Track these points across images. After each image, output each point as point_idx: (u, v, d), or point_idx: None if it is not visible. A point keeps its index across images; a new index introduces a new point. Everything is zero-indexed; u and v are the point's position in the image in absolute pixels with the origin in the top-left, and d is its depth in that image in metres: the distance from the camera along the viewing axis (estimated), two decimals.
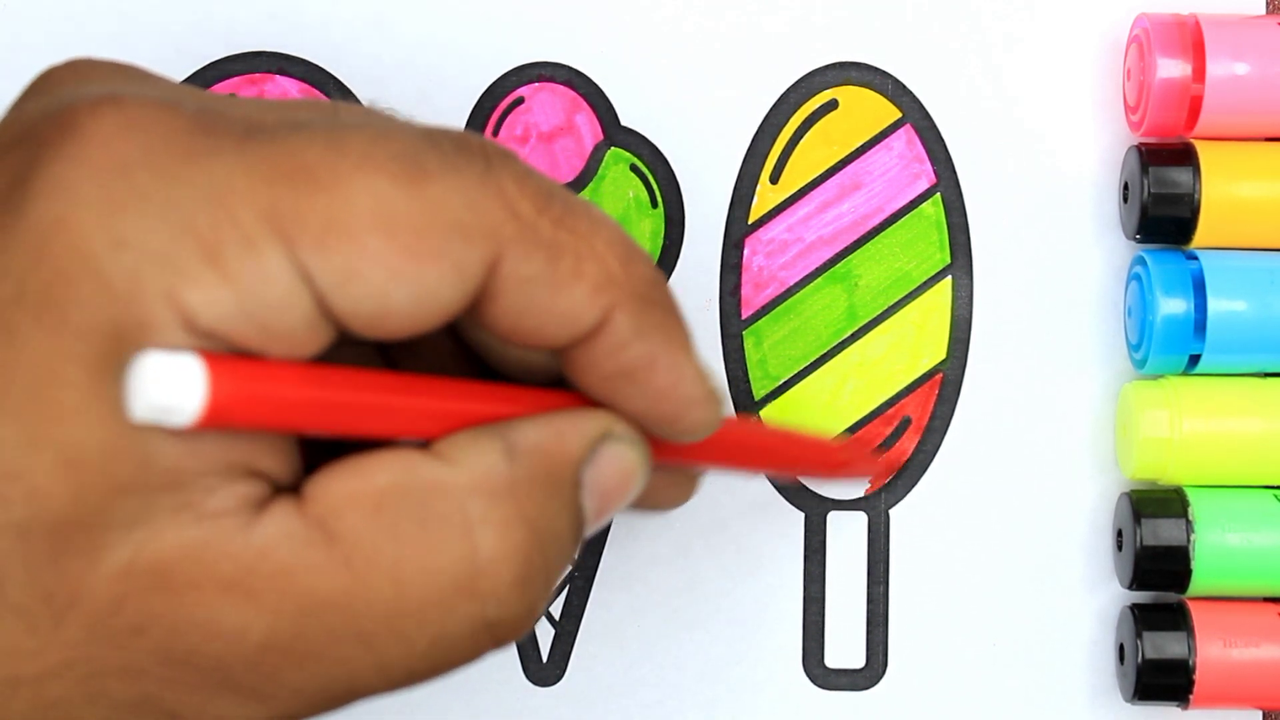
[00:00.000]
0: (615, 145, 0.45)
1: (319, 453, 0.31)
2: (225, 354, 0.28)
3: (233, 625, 0.29)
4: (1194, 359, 0.43)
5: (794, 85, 0.45)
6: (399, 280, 0.29)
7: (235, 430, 0.29)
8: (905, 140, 0.45)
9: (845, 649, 0.45)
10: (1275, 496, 0.43)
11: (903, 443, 0.45)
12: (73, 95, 0.29)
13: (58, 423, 0.28)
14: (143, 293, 0.27)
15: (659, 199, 0.45)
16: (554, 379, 0.33)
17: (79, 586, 0.28)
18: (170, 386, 0.27)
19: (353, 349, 0.33)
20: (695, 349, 0.33)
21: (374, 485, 0.30)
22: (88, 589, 0.28)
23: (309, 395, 0.29)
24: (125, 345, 0.27)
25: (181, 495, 0.28)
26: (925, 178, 0.45)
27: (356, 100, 0.45)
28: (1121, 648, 0.44)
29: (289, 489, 0.30)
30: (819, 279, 0.45)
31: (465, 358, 0.34)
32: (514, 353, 0.34)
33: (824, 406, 0.45)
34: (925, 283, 0.45)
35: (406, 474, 0.30)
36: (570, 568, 0.45)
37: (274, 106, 0.31)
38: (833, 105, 0.46)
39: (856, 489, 0.45)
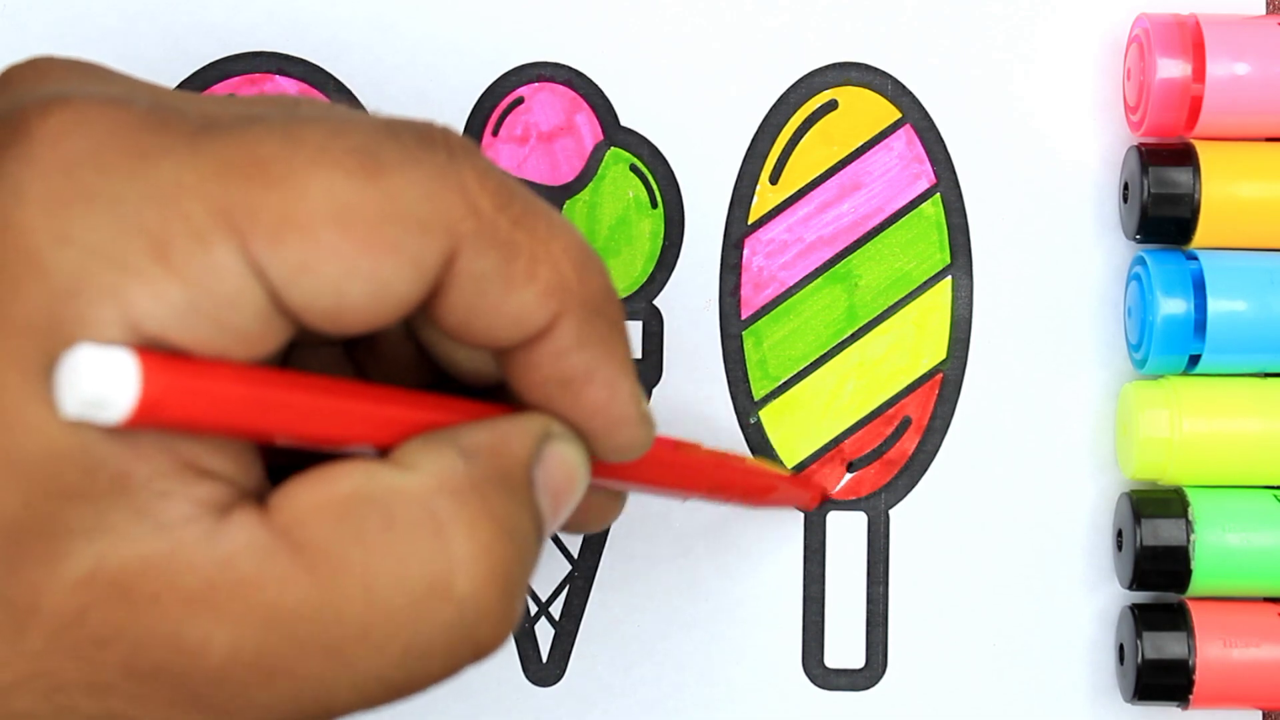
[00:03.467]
0: (615, 145, 0.45)
1: (285, 472, 0.30)
2: (161, 351, 0.27)
3: (197, 639, 0.28)
4: (1194, 359, 0.43)
5: (794, 85, 0.46)
6: (354, 274, 0.28)
7: (177, 431, 0.28)
8: (905, 140, 0.45)
9: (845, 649, 0.45)
10: (1275, 496, 0.43)
11: (903, 443, 0.45)
12: (26, 96, 0.29)
13: None
14: (85, 289, 0.27)
15: (659, 199, 0.45)
16: (503, 385, 0.33)
17: (39, 595, 0.28)
18: (101, 380, 0.26)
19: (319, 356, 0.33)
20: (632, 369, 0.32)
21: (337, 493, 0.29)
22: (48, 598, 0.28)
23: (246, 393, 0.28)
24: (65, 344, 0.27)
25: (134, 501, 0.28)
26: (925, 178, 0.45)
27: (356, 100, 0.45)
28: (1121, 648, 0.44)
29: (253, 498, 0.29)
30: (819, 279, 0.45)
31: (427, 366, 0.34)
32: (465, 355, 0.33)
33: (824, 406, 0.45)
34: (925, 283, 0.45)
35: (369, 481, 0.30)
36: (560, 577, 0.45)
37: (232, 102, 0.31)
38: (832, 105, 0.46)
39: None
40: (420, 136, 0.30)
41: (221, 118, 0.29)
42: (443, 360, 0.34)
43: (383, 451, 0.30)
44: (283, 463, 0.31)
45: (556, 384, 0.32)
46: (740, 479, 0.42)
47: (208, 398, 0.28)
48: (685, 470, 0.39)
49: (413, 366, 0.34)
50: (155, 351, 0.27)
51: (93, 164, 0.28)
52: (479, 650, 0.31)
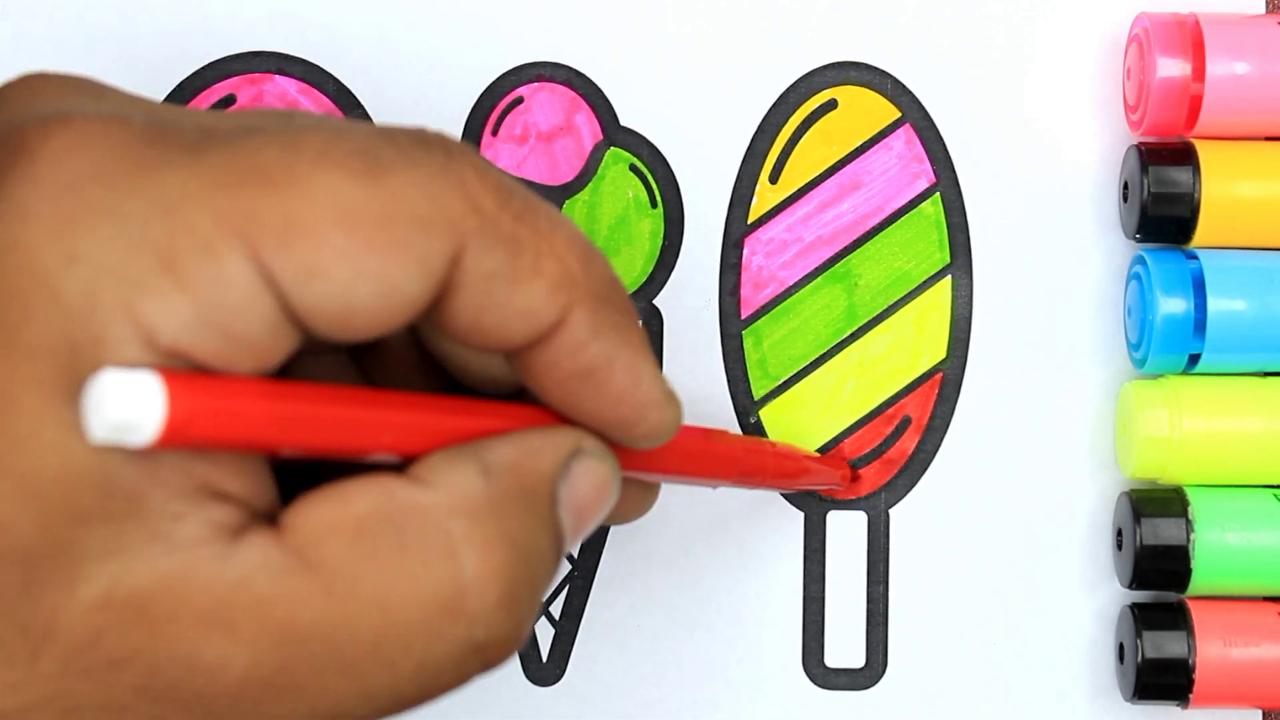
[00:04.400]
0: (615, 145, 0.45)
1: (296, 486, 0.30)
2: (185, 370, 0.27)
3: (213, 659, 0.28)
4: (1194, 358, 0.43)
5: (793, 85, 0.46)
6: (363, 275, 0.28)
7: (198, 450, 0.28)
8: (905, 140, 0.45)
9: (845, 649, 0.45)
10: (1275, 496, 0.43)
11: (902, 442, 0.45)
12: (23, 116, 0.29)
13: (15, 450, 0.27)
14: (98, 308, 0.27)
15: (658, 199, 0.45)
16: (516, 391, 0.33)
17: (55, 618, 0.28)
18: (129, 404, 0.26)
19: (323, 365, 0.33)
20: (651, 353, 0.32)
21: (352, 512, 0.29)
22: (64, 621, 0.28)
23: (272, 409, 0.28)
24: (82, 364, 0.27)
25: (149, 523, 0.28)
26: (925, 177, 0.45)
27: (355, 100, 0.45)
28: (1121, 647, 0.44)
29: (265, 518, 0.29)
30: (818, 279, 0.45)
31: (434, 374, 0.34)
32: (476, 361, 0.33)
33: (824, 406, 0.45)
34: (925, 282, 0.45)
35: (385, 499, 0.30)
36: (560, 577, 0.45)
37: (228, 115, 0.31)
38: (832, 105, 0.46)
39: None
40: (416, 139, 0.30)
41: (219, 129, 0.29)
42: (456, 371, 0.34)
43: (406, 460, 0.30)
44: (292, 472, 0.31)
45: (578, 378, 0.31)
46: (771, 462, 0.42)
47: (233, 416, 0.28)
48: (716, 456, 0.39)
49: (420, 376, 0.34)
50: (178, 371, 0.27)
51: (96, 181, 0.28)
52: (488, 664, 0.31)
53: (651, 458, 0.35)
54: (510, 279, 0.30)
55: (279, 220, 0.28)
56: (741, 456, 0.40)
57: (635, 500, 0.38)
